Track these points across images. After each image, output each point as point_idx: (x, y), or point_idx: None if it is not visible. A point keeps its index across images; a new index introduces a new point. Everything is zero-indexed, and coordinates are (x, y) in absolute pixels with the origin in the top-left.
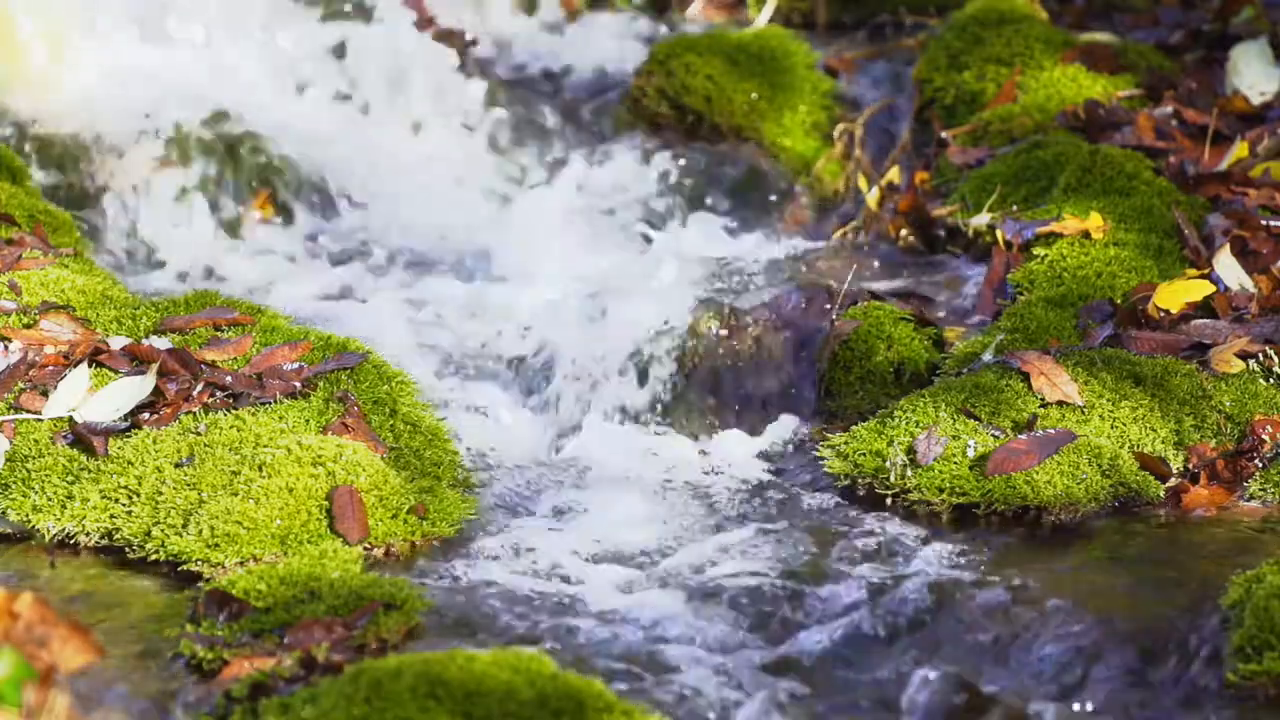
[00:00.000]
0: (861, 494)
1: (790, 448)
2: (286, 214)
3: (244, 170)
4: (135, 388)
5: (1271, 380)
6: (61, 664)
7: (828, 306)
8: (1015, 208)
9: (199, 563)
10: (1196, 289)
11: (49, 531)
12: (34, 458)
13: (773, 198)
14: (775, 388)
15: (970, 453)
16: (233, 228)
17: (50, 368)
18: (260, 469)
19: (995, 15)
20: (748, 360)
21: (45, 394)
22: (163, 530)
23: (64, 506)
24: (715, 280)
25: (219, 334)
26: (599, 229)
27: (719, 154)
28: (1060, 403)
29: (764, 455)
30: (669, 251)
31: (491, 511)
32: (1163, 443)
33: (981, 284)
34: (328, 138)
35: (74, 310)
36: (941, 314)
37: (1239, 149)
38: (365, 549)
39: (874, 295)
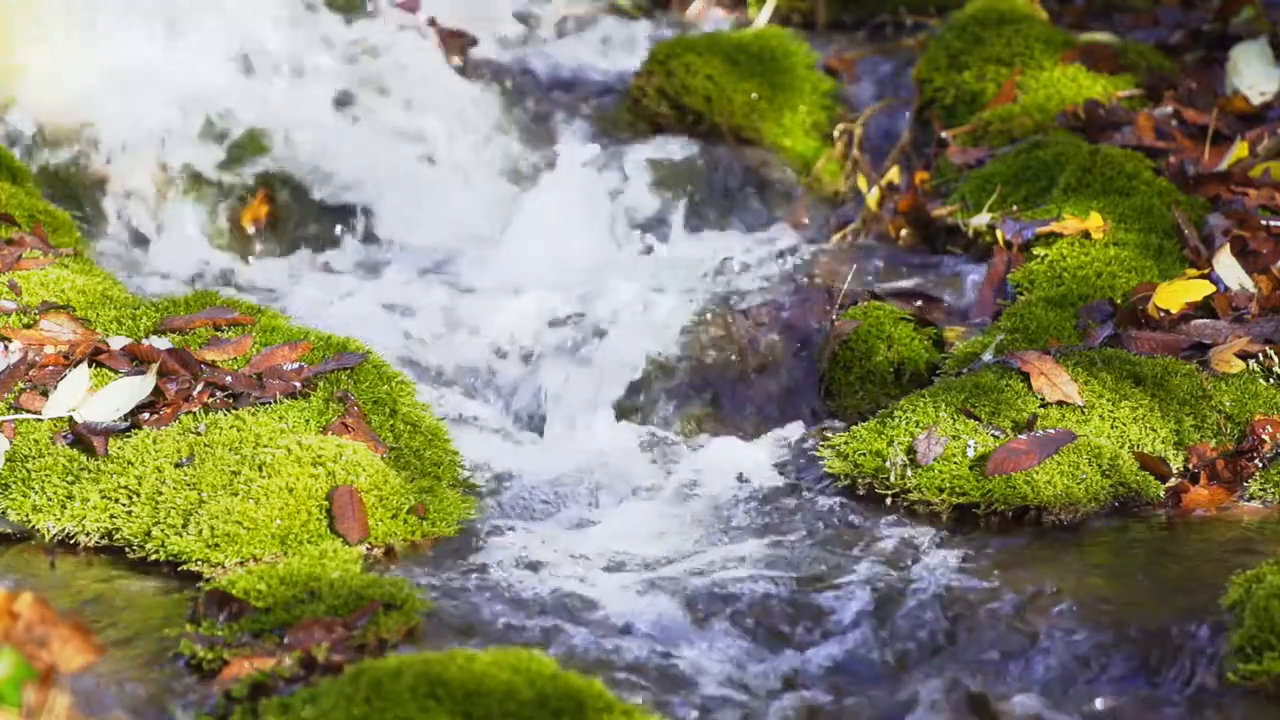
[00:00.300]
0: (861, 494)
1: (790, 448)
2: (285, 214)
3: (243, 170)
4: (135, 388)
5: (1271, 380)
6: (61, 664)
7: (828, 306)
8: (1015, 208)
9: (199, 563)
10: (1196, 289)
11: (49, 531)
12: (34, 458)
13: (772, 198)
14: (775, 388)
15: (970, 453)
16: (231, 228)
17: (50, 368)
18: (260, 469)
19: (995, 15)
20: (747, 360)
21: (45, 394)
22: (163, 530)
23: (64, 506)
24: (715, 280)
25: (219, 334)
26: (598, 230)
27: (719, 154)
28: (1060, 403)
29: (763, 455)
30: (669, 252)
31: (491, 513)
32: (1163, 443)
33: (981, 284)
34: (327, 139)
35: (74, 310)
36: (942, 314)
37: (1239, 149)
38: (365, 549)
39: (875, 295)
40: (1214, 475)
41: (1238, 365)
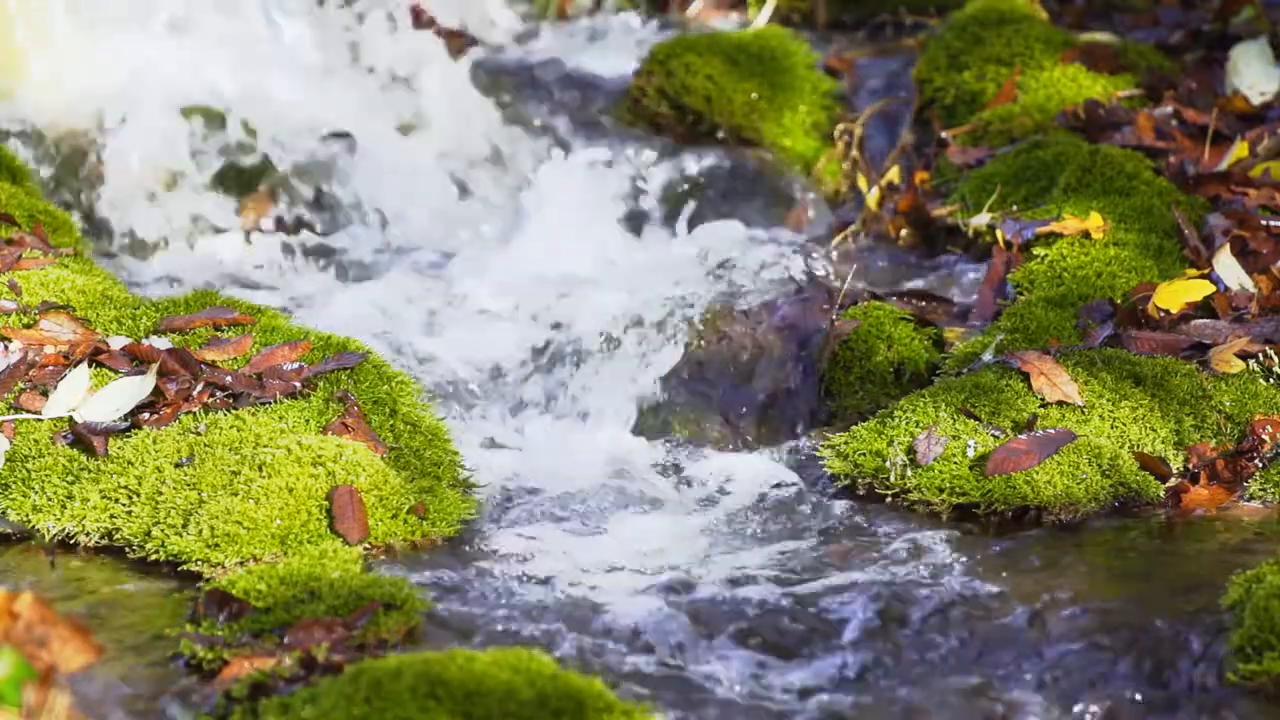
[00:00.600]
0: (861, 494)
1: (789, 448)
2: (284, 213)
3: (242, 169)
4: (135, 388)
5: (1271, 380)
6: (61, 664)
7: (828, 306)
8: (1015, 208)
9: (199, 563)
10: (1196, 289)
11: (49, 531)
12: (34, 458)
13: (772, 198)
14: (775, 388)
15: (970, 453)
16: (230, 227)
17: (50, 368)
18: (260, 469)
19: (995, 15)
20: (747, 360)
21: (45, 394)
22: (163, 530)
23: (64, 506)
24: (714, 281)
25: (219, 334)
26: (598, 230)
27: (719, 154)
28: (1060, 403)
29: (762, 455)
30: (668, 252)
31: (491, 513)
32: (1163, 443)
33: (981, 284)
34: (327, 138)
35: (74, 310)
36: (944, 314)
37: (1239, 149)
38: (365, 549)
39: (875, 295)
40: (1214, 475)
41: (1238, 365)
